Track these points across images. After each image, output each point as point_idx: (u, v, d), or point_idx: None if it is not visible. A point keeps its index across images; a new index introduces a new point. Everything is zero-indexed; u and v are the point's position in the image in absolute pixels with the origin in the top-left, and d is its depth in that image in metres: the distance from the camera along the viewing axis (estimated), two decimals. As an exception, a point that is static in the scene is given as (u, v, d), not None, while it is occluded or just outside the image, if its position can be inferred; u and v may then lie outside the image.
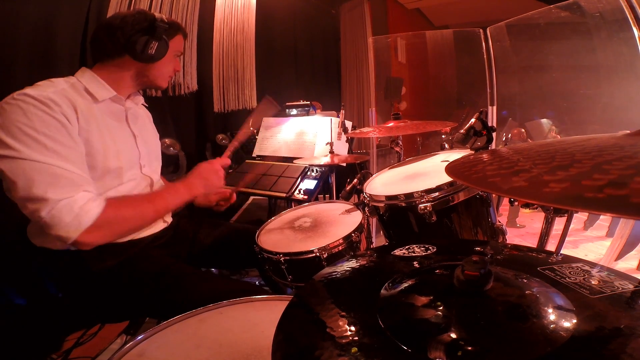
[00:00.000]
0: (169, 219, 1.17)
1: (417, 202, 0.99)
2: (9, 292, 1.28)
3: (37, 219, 0.78)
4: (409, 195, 1.01)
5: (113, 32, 0.96)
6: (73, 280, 0.96)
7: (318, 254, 1.02)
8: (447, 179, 0.98)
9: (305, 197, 1.74)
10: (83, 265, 0.92)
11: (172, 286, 0.94)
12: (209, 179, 1.12)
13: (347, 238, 1.07)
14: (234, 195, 1.35)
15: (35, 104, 0.81)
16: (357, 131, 1.74)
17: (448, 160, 0.72)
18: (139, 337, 0.63)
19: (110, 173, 0.95)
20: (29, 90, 0.83)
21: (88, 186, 0.84)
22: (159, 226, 1.11)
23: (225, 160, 1.21)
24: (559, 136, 3.21)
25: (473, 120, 0.96)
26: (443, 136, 2.67)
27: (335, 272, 0.56)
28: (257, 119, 1.87)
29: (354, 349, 0.38)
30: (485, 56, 2.94)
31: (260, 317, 0.69)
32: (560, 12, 2.61)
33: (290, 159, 2.00)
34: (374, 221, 1.89)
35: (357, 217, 1.18)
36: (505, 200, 2.35)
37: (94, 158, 0.91)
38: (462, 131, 0.98)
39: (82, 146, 0.88)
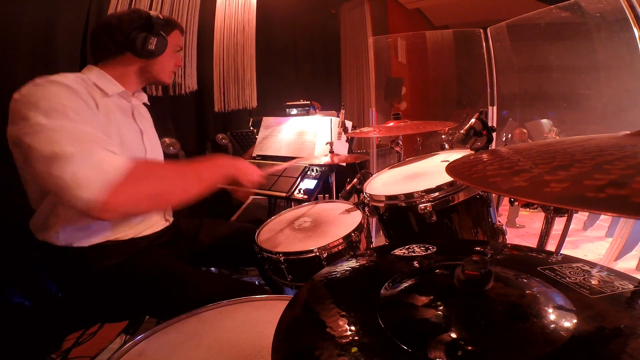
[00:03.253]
0: (170, 217, 1.18)
1: (417, 202, 0.98)
2: (9, 291, 1.28)
3: (60, 183, 0.70)
4: (409, 195, 1.01)
5: (112, 31, 0.98)
6: (74, 279, 0.96)
7: (318, 254, 1.02)
8: (447, 179, 0.98)
9: (305, 196, 1.73)
10: (85, 264, 0.93)
11: (173, 285, 0.94)
12: (247, 174, 1.01)
13: (347, 238, 1.07)
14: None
15: (59, 87, 0.81)
16: (357, 131, 1.73)
17: (448, 160, 0.72)
18: (139, 337, 0.63)
19: None
20: (49, 77, 0.83)
21: (111, 146, 0.79)
22: (160, 225, 1.11)
23: (261, 173, 1.07)
24: (558, 137, 3.21)
25: (473, 120, 0.96)
26: (443, 136, 2.67)
27: (335, 271, 0.56)
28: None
29: (354, 349, 0.38)
30: (485, 56, 2.94)
31: (260, 317, 0.69)
32: (560, 12, 2.62)
33: (290, 159, 1.99)
34: (373, 221, 1.88)
35: (357, 217, 1.18)
36: (505, 200, 2.36)
37: None
38: (462, 131, 0.98)
39: (100, 124, 0.87)
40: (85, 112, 0.82)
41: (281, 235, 1.18)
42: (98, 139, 0.78)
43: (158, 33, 1.01)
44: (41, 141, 0.72)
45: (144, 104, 1.18)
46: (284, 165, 1.39)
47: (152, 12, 1.02)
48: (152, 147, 1.13)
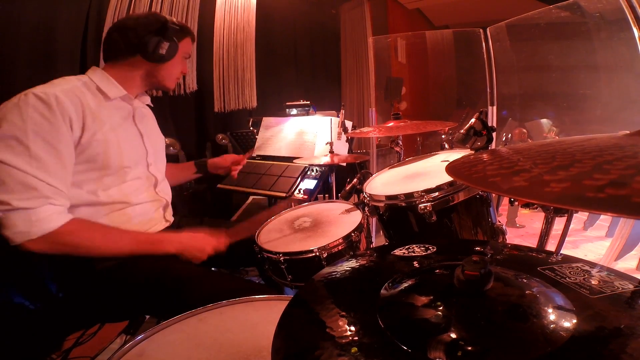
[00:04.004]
0: (170, 218, 1.18)
1: (417, 202, 0.98)
2: (10, 292, 1.28)
3: None
4: (409, 195, 1.01)
5: (126, 32, 1.00)
6: (75, 278, 0.96)
7: (318, 254, 1.02)
8: (447, 178, 0.98)
9: (305, 196, 1.73)
10: (85, 263, 0.93)
11: (174, 283, 0.94)
12: (193, 250, 1.00)
13: (346, 238, 1.07)
14: (245, 160, 1.48)
15: (35, 105, 0.82)
16: (357, 131, 1.72)
17: (448, 160, 0.72)
18: (139, 337, 0.63)
19: (115, 170, 0.97)
20: (38, 88, 0.85)
21: (57, 199, 0.84)
22: (160, 225, 1.11)
23: (222, 243, 1.06)
24: (557, 137, 3.21)
25: (473, 120, 0.96)
26: (443, 136, 2.67)
27: (335, 272, 0.56)
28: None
29: (354, 349, 0.37)
30: (485, 56, 2.94)
31: (260, 317, 0.68)
32: (560, 12, 2.61)
33: (290, 159, 2.00)
34: (373, 221, 1.88)
35: (356, 217, 1.18)
36: (505, 200, 2.36)
37: (100, 155, 0.93)
38: (462, 131, 0.98)
39: (72, 156, 0.89)
40: (50, 136, 0.83)
41: (281, 235, 1.18)
42: (44, 191, 0.82)
43: (171, 38, 1.03)
44: None
45: (148, 105, 1.18)
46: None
47: (169, 17, 1.04)
48: (155, 148, 1.13)
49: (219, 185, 2.03)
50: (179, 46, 1.06)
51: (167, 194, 1.18)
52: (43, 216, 0.81)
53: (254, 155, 2.20)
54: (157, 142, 1.17)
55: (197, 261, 1.02)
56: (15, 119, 0.80)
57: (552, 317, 0.39)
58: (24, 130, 0.80)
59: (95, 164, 0.93)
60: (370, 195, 1.11)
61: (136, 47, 1.00)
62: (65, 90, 0.88)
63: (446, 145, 1.91)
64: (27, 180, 0.80)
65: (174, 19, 1.05)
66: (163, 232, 1.09)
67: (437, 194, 0.98)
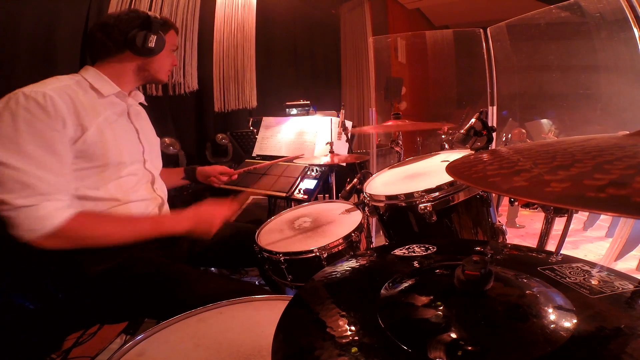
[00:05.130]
0: None
1: (417, 202, 0.98)
2: (10, 292, 1.27)
3: (5, 220, 0.79)
4: (409, 195, 1.01)
5: (110, 30, 1.00)
6: (69, 283, 0.96)
7: (318, 254, 1.02)
8: (447, 178, 0.98)
9: (305, 196, 1.73)
10: (78, 269, 0.92)
11: (170, 286, 0.94)
12: (202, 224, 1.03)
13: (347, 238, 1.07)
14: (235, 175, 1.51)
15: (25, 104, 0.82)
16: (357, 129, 1.69)
17: (448, 160, 0.72)
18: (139, 337, 0.63)
19: (112, 167, 0.96)
20: (27, 87, 0.85)
21: (58, 195, 0.84)
22: None
23: (230, 212, 1.10)
24: (556, 137, 3.21)
25: (473, 120, 0.96)
26: (443, 136, 2.67)
27: (335, 272, 0.56)
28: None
29: (354, 349, 0.37)
30: (485, 56, 2.94)
31: (260, 317, 0.69)
32: (560, 12, 2.62)
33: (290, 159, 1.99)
34: (373, 221, 1.88)
35: (357, 217, 1.18)
36: (505, 200, 2.36)
37: (97, 151, 0.93)
38: (462, 131, 0.98)
39: (68, 151, 0.89)
40: (43, 134, 0.83)
41: (281, 235, 1.18)
42: (43, 189, 0.82)
43: (157, 31, 1.03)
44: None
45: (141, 103, 1.18)
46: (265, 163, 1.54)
47: (150, 12, 1.04)
48: (150, 145, 1.13)
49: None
50: (165, 39, 1.07)
51: (163, 192, 1.18)
52: (43, 213, 0.81)
53: (254, 155, 2.21)
54: (152, 139, 1.18)
55: (209, 236, 1.03)
56: (6, 118, 0.80)
57: (552, 317, 0.39)
58: (15, 129, 0.80)
59: (92, 160, 0.93)
60: (370, 195, 1.11)
61: (124, 43, 1.00)
62: (55, 88, 0.87)
63: (446, 145, 1.91)
64: (23, 179, 0.80)
65: (156, 14, 1.05)
66: (171, 213, 1.09)
67: (437, 194, 0.98)
